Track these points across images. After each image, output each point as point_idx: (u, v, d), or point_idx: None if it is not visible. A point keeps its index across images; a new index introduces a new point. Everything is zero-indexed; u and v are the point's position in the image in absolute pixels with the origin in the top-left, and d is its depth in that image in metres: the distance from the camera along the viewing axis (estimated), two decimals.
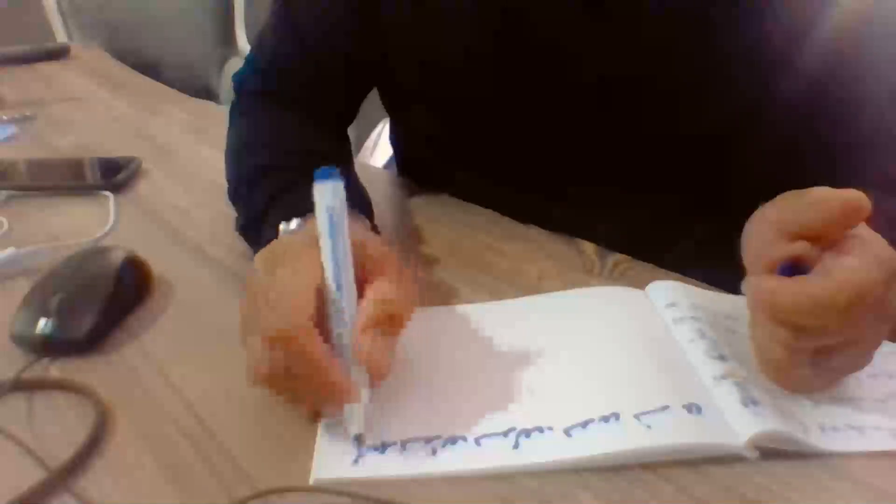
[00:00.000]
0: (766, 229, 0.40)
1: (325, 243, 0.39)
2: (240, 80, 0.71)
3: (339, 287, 0.38)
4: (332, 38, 0.65)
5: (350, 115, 0.71)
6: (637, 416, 0.38)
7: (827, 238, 0.39)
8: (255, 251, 0.44)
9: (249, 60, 0.71)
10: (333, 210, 0.38)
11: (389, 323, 0.39)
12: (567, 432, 0.38)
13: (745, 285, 0.39)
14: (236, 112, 0.69)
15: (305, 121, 0.65)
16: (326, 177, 0.38)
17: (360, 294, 0.40)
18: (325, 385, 0.37)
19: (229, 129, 0.68)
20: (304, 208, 0.42)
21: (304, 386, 0.38)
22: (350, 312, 0.39)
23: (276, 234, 0.47)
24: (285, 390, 0.39)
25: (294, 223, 0.47)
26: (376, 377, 0.38)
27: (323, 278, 0.39)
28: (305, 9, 0.66)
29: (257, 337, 0.37)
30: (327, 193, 0.38)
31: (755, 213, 0.41)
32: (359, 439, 0.38)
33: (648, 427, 0.38)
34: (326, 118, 0.68)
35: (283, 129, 0.65)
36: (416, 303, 0.41)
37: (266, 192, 0.54)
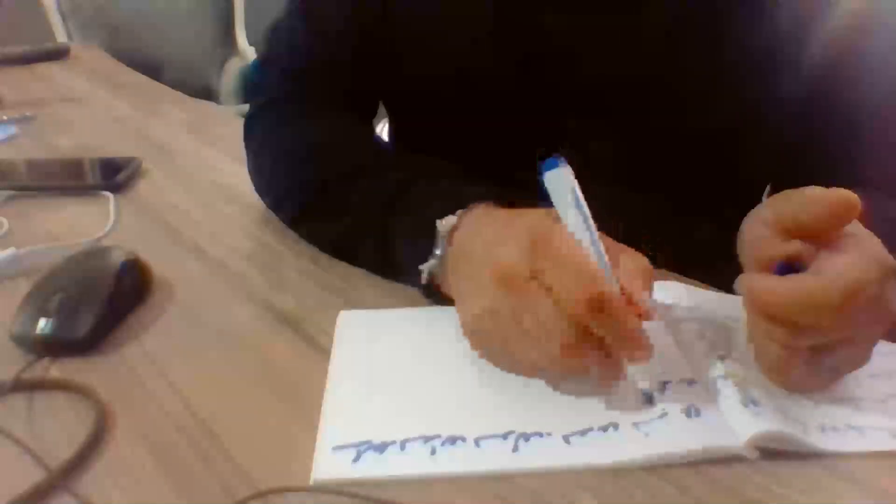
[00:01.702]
0: (762, 228, 0.40)
1: (576, 219, 0.40)
2: (256, 87, 0.71)
3: (598, 254, 0.40)
4: (351, 37, 0.66)
5: (373, 110, 0.72)
6: (636, 425, 0.38)
7: (821, 236, 0.39)
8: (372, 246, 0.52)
9: (265, 68, 0.71)
10: (575, 190, 0.40)
11: (649, 276, 0.41)
12: (566, 439, 0.38)
13: (739, 284, 0.39)
14: (271, 121, 0.68)
15: (351, 120, 0.66)
16: (556, 164, 0.40)
17: None
18: (636, 337, 0.38)
19: (264, 137, 0.67)
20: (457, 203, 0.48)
21: (617, 343, 0.38)
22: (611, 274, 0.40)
23: (429, 228, 0.48)
24: (590, 356, 0.39)
25: (452, 219, 0.48)
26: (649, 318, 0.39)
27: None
28: (321, 10, 0.67)
29: (550, 312, 0.38)
30: (567, 176, 0.40)
31: (751, 212, 0.41)
32: (650, 398, 0.40)
33: (646, 435, 0.38)
34: (359, 115, 0.68)
35: (345, 131, 0.65)
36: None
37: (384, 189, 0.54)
